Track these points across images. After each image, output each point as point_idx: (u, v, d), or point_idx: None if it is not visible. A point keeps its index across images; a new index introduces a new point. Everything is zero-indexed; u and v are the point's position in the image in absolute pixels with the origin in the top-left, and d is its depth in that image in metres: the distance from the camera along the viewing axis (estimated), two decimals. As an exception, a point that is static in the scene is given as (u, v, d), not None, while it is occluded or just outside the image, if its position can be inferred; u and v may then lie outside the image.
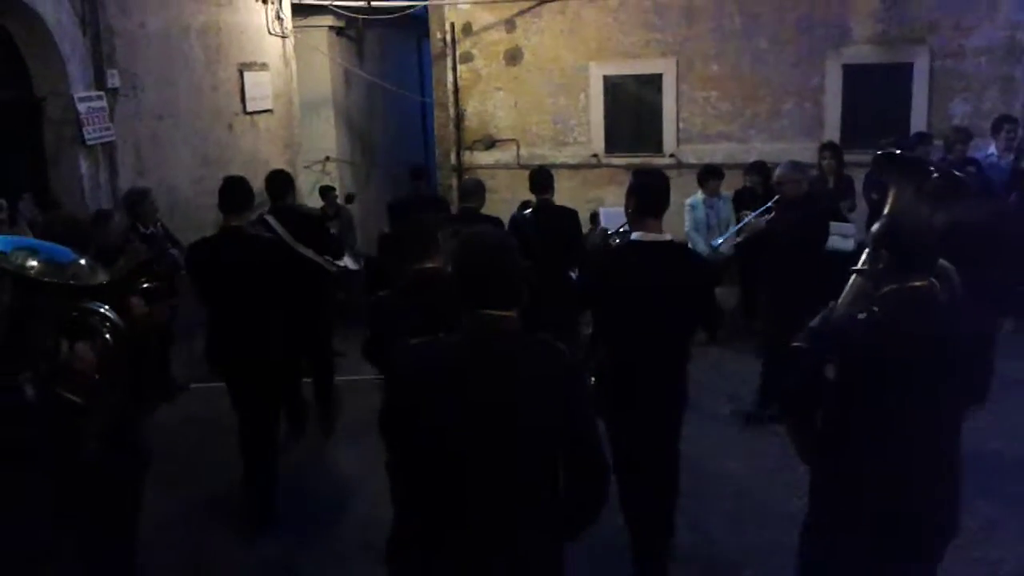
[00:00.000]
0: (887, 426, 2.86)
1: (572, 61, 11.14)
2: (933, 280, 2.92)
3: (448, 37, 11.43)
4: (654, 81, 10.97)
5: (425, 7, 11.65)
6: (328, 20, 11.79)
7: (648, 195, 3.88)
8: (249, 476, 4.96)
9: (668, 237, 3.92)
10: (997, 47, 9.89)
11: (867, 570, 2.97)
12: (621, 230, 4.20)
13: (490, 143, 11.61)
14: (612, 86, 11.14)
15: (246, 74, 9.24)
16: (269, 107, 9.72)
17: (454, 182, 11.46)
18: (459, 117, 11.64)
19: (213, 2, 8.73)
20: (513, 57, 11.36)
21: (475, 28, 11.42)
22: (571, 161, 11.24)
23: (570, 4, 11.00)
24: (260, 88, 9.52)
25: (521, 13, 11.17)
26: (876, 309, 2.87)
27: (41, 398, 2.62)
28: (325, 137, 11.88)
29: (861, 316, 2.89)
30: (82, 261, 2.82)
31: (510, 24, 11.27)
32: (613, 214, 5.96)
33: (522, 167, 10.66)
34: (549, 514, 2.51)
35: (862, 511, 2.91)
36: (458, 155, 11.69)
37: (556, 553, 2.58)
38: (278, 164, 9.40)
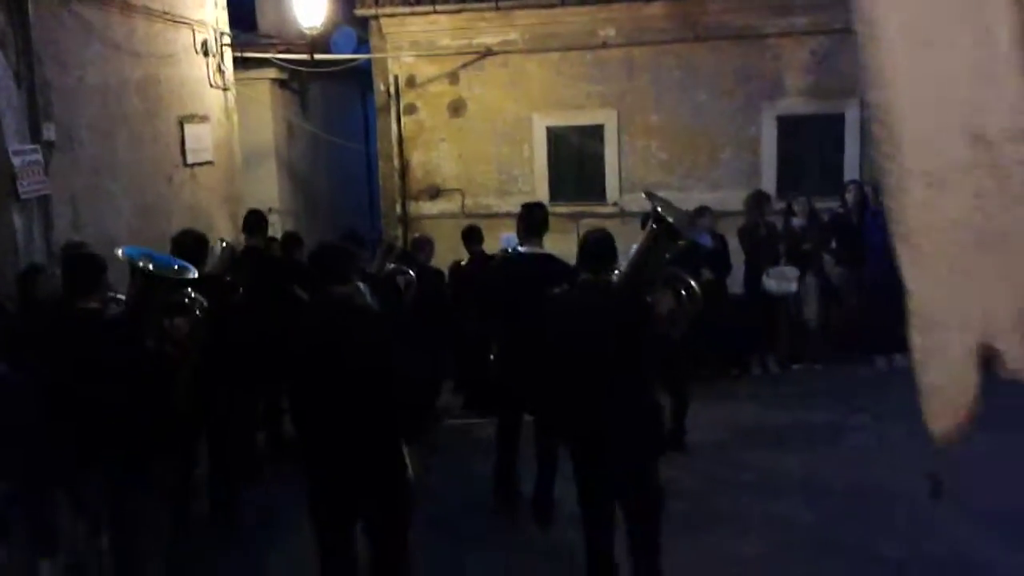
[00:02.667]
0: (575, 371, 4.05)
1: (515, 112, 11.28)
2: (610, 276, 4.24)
3: (392, 89, 11.50)
4: (596, 132, 11.16)
5: (368, 60, 11.74)
6: (271, 73, 11.80)
7: (531, 219, 5.57)
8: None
9: (545, 250, 5.50)
10: (923, 98, 10.27)
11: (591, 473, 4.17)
12: (516, 247, 5.77)
13: (435, 193, 11.65)
14: (555, 136, 11.30)
15: (186, 126, 9.15)
16: (210, 159, 9.62)
17: (400, 232, 11.46)
18: (404, 168, 11.68)
19: (154, 55, 8.67)
20: (456, 109, 11.47)
21: (419, 80, 11.52)
22: (516, 210, 11.22)
23: (512, 57, 11.17)
24: (200, 140, 9.43)
25: (464, 66, 11.31)
26: (564, 288, 4.41)
27: (155, 349, 4.36)
28: (268, 189, 11.79)
29: (555, 291, 4.46)
30: (176, 266, 4.59)
31: (453, 76, 11.39)
32: (509, 238, 7.40)
33: (467, 216, 10.72)
34: (383, 424, 3.79)
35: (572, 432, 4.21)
36: (403, 205, 11.70)
37: (393, 450, 3.83)
38: (219, 216, 9.28)
